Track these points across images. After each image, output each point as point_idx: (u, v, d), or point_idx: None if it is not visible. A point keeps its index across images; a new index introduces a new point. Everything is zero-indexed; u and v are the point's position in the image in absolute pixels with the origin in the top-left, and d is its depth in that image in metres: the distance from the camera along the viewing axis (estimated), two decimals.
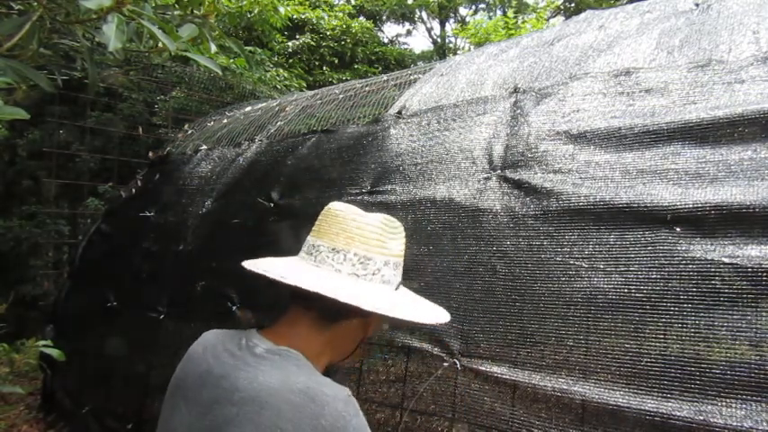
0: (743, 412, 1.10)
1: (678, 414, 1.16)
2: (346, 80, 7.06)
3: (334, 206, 1.01)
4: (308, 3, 9.51)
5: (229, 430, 0.75)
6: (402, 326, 1.12)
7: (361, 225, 0.97)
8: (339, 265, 0.93)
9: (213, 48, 1.71)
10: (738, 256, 1.20)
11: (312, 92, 3.71)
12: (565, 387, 1.34)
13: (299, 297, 0.92)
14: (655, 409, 1.20)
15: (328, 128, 2.58)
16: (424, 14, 13.42)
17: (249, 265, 1.00)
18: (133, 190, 3.57)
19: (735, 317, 1.17)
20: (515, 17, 9.02)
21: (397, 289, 0.98)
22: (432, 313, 1.00)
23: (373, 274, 0.94)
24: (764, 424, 1.07)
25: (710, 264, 1.23)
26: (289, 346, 0.87)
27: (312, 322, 0.92)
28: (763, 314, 1.14)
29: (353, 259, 0.93)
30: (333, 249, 0.95)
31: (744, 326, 1.16)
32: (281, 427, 0.72)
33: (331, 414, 0.74)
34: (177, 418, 0.84)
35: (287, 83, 7.25)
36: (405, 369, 1.80)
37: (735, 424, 1.10)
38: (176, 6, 1.83)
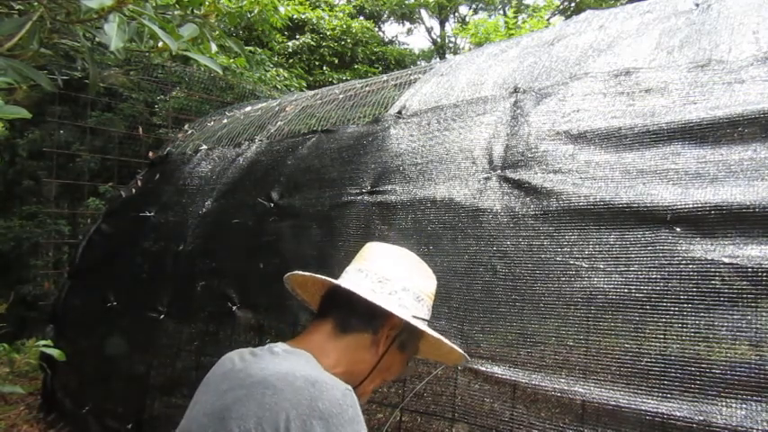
0: (743, 412, 1.10)
1: (678, 414, 1.16)
2: (346, 80, 7.05)
3: (372, 243, 1.15)
4: (308, 3, 9.51)
5: (235, 407, 0.79)
6: (417, 351, 1.17)
7: (390, 252, 1.10)
8: (360, 281, 1.02)
9: (214, 47, 1.71)
10: (738, 256, 1.20)
11: (312, 92, 3.71)
12: (565, 387, 1.34)
13: (323, 307, 1.05)
14: (655, 409, 1.20)
15: (328, 128, 2.58)
16: (424, 14, 13.43)
17: (288, 276, 1.13)
18: (133, 190, 3.57)
19: (735, 317, 1.17)
20: (515, 17, 9.02)
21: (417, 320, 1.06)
22: (447, 341, 1.09)
23: (389, 294, 1.02)
24: (764, 424, 1.07)
25: (710, 264, 1.23)
26: (304, 350, 0.94)
27: (328, 330, 0.99)
28: (763, 314, 1.14)
29: (373, 277, 1.03)
30: (358, 270, 1.06)
31: (744, 326, 1.16)
32: (281, 405, 0.76)
33: (329, 399, 0.77)
34: (196, 409, 0.89)
35: (287, 83, 7.26)
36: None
37: (735, 424, 1.10)
38: (177, 6, 1.83)
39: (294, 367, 0.84)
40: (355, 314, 0.99)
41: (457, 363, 1.33)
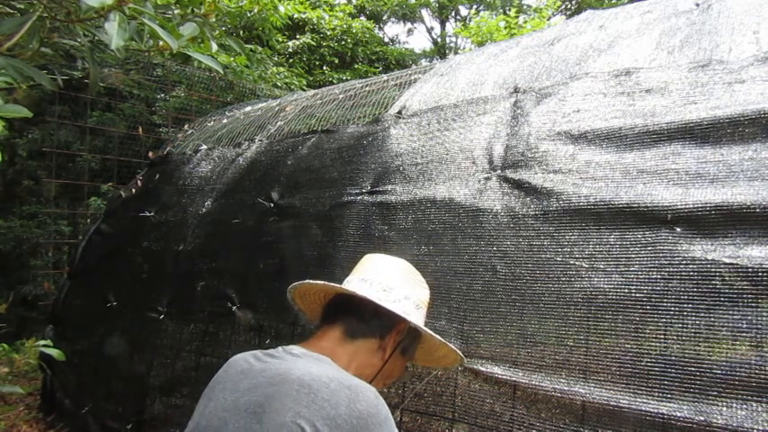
0: (743, 412, 1.10)
1: (678, 414, 1.16)
2: (346, 80, 7.06)
3: (368, 254, 1.22)
4: (308, 2, 9.50)
5: (269, 403, 0.81)
6: (418, 358, 1.24)
7: (389, 263, 1.16)
8: (366, 291, 1.06)
9: (214, 46, 1.71)
10: (739, 256, 1.20)
11: (312, 92, 3.71)
12: (565, 387, 1.34)
13: (329, 314, 1.09)
14: (655, 410, 1.20)
15: (328, 128, 2.58)
16: (425, 14, 13.42)
17: (292, 286, 1.16)
18: (133, 190, 3.57)
19: (735, 317, 1.17)
20: (517, 17, 9.02)
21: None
22: (450, 344, 1.15)
23: (394, 301, 1.07)
24: (765, 424, 1.07)
25: (711, 264, 1.23)
26: (319, 353, 0.96)
27: (337, 336, 1.03)
28: (764, 314, 1.14)
29: (377, 287, 1.08)
30: (362, 279, 1.11)
31: (744, 326, 1.16)
32: (318, 404, 0.78)
33: (365, 400, 0.81)
34: (212, 406, 0.89)
35: (287, 80, 7.26)
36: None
37: (735, 424, 1.10)
38: (177, 5, 1.83)
39: (323, 370, 0.86)
40: (363, 320, 1.04)
41: (450, 366, 1.38)
